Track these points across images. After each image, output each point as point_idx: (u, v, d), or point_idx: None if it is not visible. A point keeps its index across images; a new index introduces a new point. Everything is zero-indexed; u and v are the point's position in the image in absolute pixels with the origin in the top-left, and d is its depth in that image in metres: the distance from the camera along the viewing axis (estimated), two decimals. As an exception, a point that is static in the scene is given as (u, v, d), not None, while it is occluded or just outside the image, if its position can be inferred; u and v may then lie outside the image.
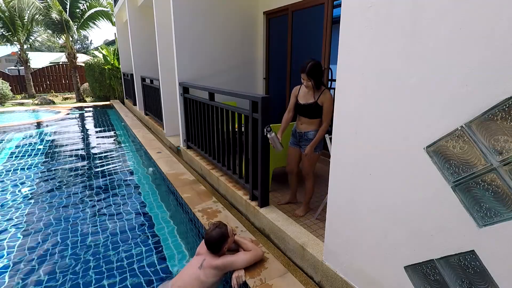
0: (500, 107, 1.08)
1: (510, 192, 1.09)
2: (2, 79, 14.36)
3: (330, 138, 2.11)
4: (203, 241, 2.26)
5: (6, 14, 13.71)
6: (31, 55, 16.63)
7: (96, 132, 8.04)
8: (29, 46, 16.79)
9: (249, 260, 2.21)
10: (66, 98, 15.92)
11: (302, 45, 4.57)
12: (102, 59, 12.87)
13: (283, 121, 2.77)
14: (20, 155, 5.78)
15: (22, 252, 2.79)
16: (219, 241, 2.13)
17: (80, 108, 11.68)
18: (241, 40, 5.05)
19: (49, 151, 6.05)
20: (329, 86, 3.98)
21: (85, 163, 5.32)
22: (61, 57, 24.90)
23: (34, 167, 5.09)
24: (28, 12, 13.45)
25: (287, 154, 2.94)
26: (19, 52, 15.05)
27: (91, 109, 11.66)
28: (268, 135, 2.53)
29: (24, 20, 14.21)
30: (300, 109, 2.68)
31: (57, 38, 15.45)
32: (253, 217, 2.96)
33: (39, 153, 5.89)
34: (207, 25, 4.67)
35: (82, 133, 7.75)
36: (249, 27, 5.08)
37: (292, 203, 3.04)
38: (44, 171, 4.89)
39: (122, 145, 6.54)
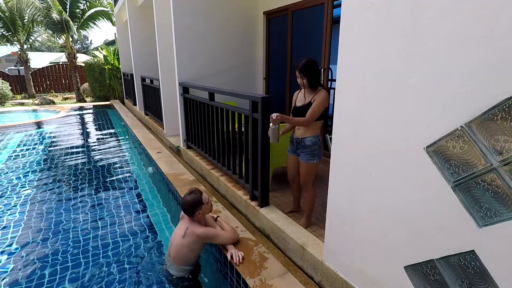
0: (500, 107, 1.08)
1: (510, 192, 1.09)
2: (2, 79, 14.36)
3: (330, 138, 2.11)
4: None
5: (7, 14, 13.71)
6: (31, 55, 16.61)
7: (96, 132, 8.04)
8: (29, 46, 16.79)
9: (229, 238, 2.43)
10: (66, 98, 15.92)
11: (302, 45, 4.57)
12: (102, 59, 12.86)
13: (286, 125, 2.70)
14: (20, 155, 5.78)
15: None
16: (193, 206, 2.29)
17: (80, 108, 11.67)
18: (241, 40, 5.05)
19: (49, 151, 6.04)
20: (329, 86, 3.98)
21: (84, 163, 5.31)
22: (61, 57, 24.91)
23: (34, 167, 5.08)
24: (28, 12, 13.44)
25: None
26: (19, 52, 15.05)
27: (91, 109, 11.65)
28: (271, 125, 2.44)
29: (24, 20, 14.21)
30: (296, 112, 2.56)
31: (57, 38, 15.43)
32: (253, 217, 2.97)
33: (39, 153, 5.89)
34: (207, 25, 4.67)
35: (82, 133, 7.74)
36: (249, 27, 5.08)
37: (296, 211, 2.96)
38: (44, 171, 4.88)
39: (122, 145, 6.54)
